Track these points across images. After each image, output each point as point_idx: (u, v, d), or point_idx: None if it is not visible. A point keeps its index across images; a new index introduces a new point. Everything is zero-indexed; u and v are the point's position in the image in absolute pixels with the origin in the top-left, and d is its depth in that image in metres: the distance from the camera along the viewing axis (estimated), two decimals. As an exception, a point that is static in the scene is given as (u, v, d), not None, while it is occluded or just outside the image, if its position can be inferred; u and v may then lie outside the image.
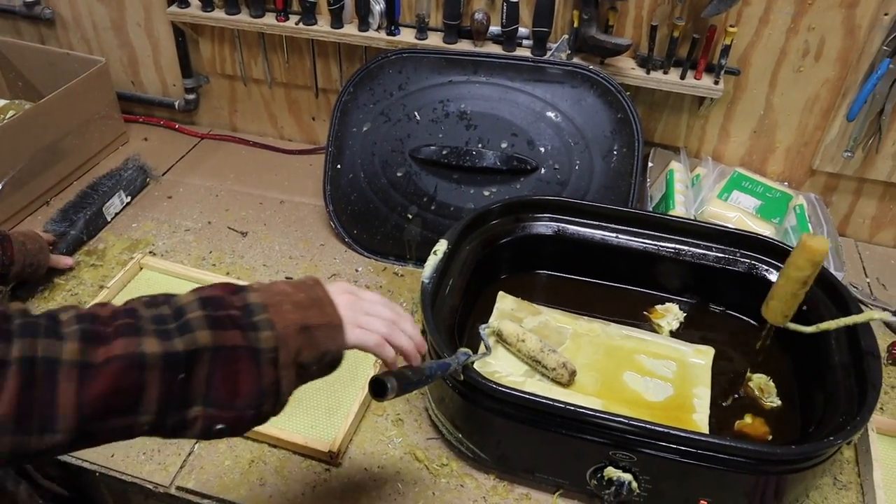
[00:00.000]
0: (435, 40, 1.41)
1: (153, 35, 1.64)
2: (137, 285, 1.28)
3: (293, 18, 1.47)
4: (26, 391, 0.53)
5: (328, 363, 0.71)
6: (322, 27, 1.45)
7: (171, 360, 0.59)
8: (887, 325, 1.29)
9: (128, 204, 1.49)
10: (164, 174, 1.59)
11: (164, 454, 1.03)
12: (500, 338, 1.10)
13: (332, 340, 0.71)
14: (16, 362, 0.53)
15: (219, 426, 0.63)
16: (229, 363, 0.62)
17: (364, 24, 1.43)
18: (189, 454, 1.03)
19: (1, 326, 0.55)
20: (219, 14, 1.49)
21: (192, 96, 1.70)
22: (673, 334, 1.18)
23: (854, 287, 1.36)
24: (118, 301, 0.85)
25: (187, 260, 1.35)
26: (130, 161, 1.54)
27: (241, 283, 0.73)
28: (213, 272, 1.32)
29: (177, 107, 1.71)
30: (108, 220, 1.44)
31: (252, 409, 0.64)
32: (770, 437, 1.03)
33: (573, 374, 1.05)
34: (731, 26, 1.28)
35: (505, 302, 1.17)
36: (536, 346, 1.06)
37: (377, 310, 0.78)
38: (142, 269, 1.31)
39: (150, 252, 1.36)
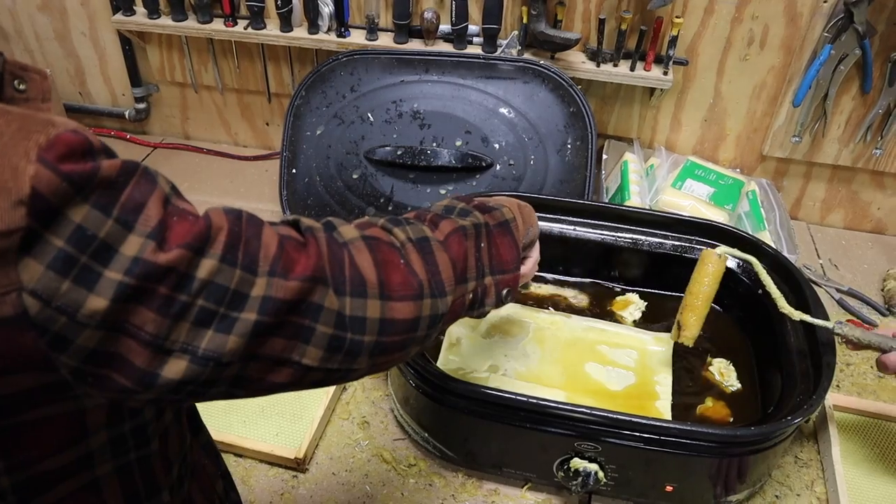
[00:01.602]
0: (385, 41, 1.41)
1: (99, 44, 1.61)
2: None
3: (241, 23, 1.45)
4: (425, 262, 0.63)
5: (530, 241, 0.85)
6: (271, 31, 1.44)
7: (477, 230, 0.71)
8: (840, 304, 1.32)
9: (80, 217, 1.46)
10: (116, 186, 1.56)
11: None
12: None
13: (533, 217, 0.84)
14: (407, 242, 0.63)
15: (505, 290, 0.74)
16: (494, 237, 0.74)
17: (314, 27, 1.42)
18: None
19: (368, 223, 0.64)
20: (165, 21, 1.47)
21: (142, 105, 1.67)
22: (636, 324, 1.19)
23: (807, 269, 1.39)
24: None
25: (144, 272, 1.33)
26: (81, 174, 1.51)
27: None
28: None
29: (127, 117, 1.69)
30: (60, 234, 1.41)
31: (518, 268, 0.76)
32: (731, 420, 1.05)
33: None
34: (677, 17, 1.30)
35: (466, 299, 1.17)
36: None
37: None
38: (97, 283, 1.28)
39: (105, 265, 1.34)
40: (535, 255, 0.89)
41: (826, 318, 1.00)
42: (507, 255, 0.75)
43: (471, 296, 0.70)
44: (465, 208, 0.74)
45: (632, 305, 1.20)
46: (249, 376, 0.51)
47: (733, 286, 1.16)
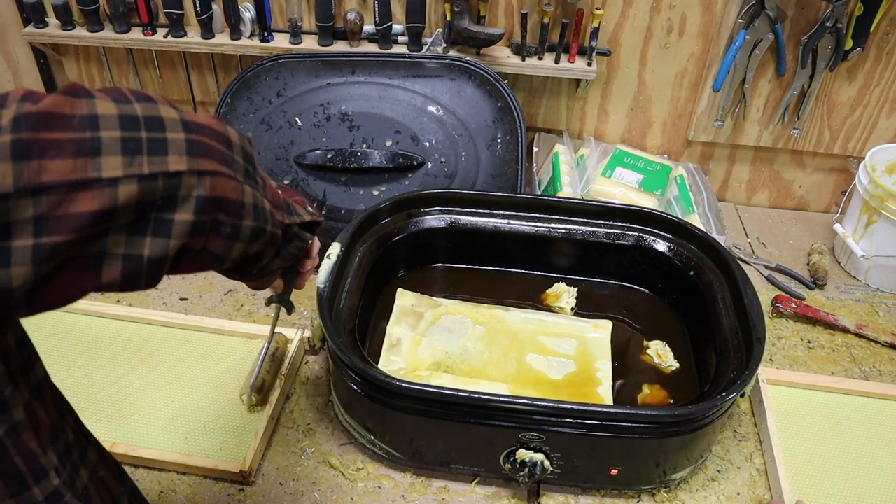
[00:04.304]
0: (310, 44, 1.40)
1: (11, 59, 1.55)
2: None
3: (161, 31, 1.42)
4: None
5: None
6: (192, 38, 1.41)
7: None
8: (769, 280, 1.36)
9: (2, 239, 1.40)
10: (39, 204, 1.51)
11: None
12: None
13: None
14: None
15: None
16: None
17: (236, 33, 1.40)
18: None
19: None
20: (81, 32, 1.42)
21: (61, 120, 1.62)
22: (574, 311, 1.20)
23: (737, 248, 1.43)
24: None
25: (73, 291, 1.29)
26: (0, 194, 1.46)
27: None
28: (101, 301, 1.27)
29: (46, 133, 1.63)
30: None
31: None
32: (671, 401, 1.07)
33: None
34: (597, 9, 1.32)
35: (405, 298, 1.17)
36: None
37: None
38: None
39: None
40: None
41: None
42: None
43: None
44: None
45: (564, 294, 1.22)
46: None
47: (666, 269, 1.19)
